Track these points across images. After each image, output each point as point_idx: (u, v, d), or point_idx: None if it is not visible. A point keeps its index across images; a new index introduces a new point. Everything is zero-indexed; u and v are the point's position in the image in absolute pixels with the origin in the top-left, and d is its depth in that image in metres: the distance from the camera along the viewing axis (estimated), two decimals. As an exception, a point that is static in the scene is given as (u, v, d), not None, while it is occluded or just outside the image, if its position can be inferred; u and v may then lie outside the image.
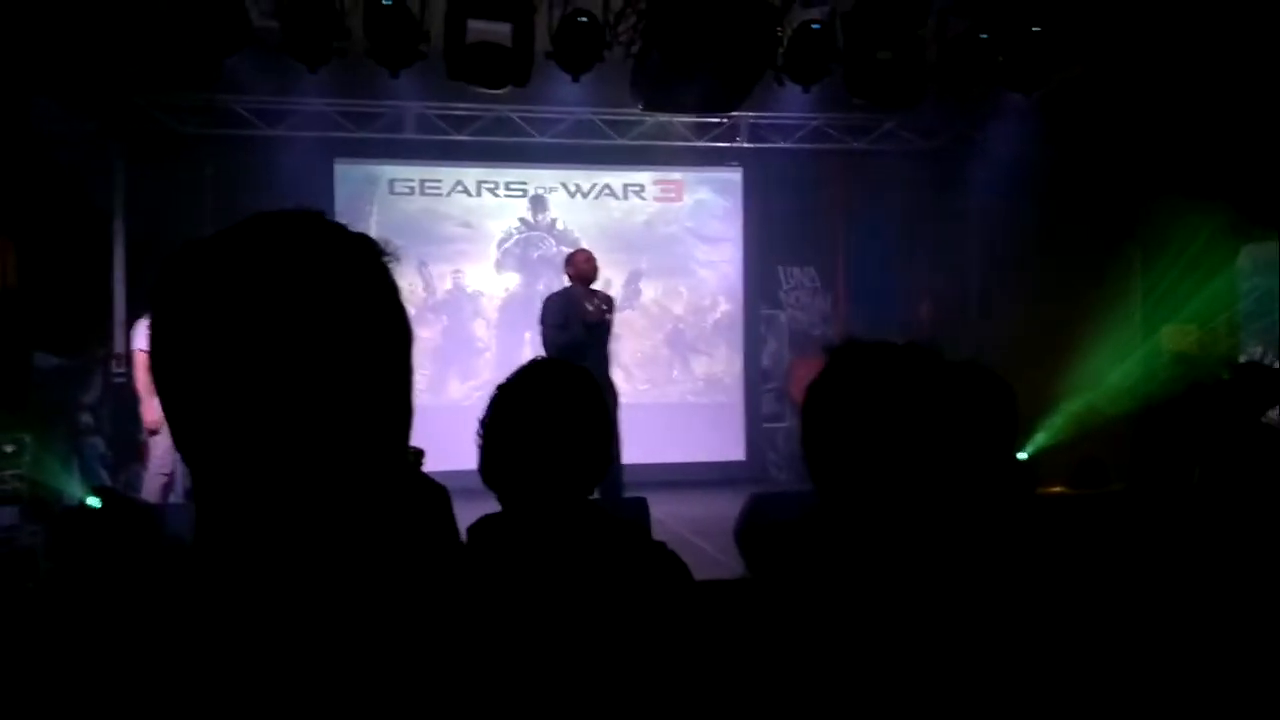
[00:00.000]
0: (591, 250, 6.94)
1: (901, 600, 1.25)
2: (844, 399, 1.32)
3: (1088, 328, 7.73)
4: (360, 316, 0.77)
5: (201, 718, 0.70)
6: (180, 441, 0.78)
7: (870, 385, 1.31)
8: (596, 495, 1.80)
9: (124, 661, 0.72)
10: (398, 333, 0.80)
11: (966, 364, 2.09)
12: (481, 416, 1.75)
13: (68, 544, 4.65)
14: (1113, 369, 7.55)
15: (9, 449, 5.64)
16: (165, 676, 0.71)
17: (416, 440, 1.76)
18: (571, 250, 7.12)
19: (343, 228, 0.80)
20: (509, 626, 0.84)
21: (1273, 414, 4.11)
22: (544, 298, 6.77)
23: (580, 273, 6.55)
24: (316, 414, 0.74)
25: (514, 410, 1.72)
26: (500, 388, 1.76)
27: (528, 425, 1.70)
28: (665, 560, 1.69)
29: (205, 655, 0.72)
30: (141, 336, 6.73)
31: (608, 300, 6.58)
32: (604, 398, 1.78)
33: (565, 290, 6.61)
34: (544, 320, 6.44)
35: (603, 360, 6.45)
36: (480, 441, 1.73)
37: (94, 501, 5.12)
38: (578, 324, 6.31)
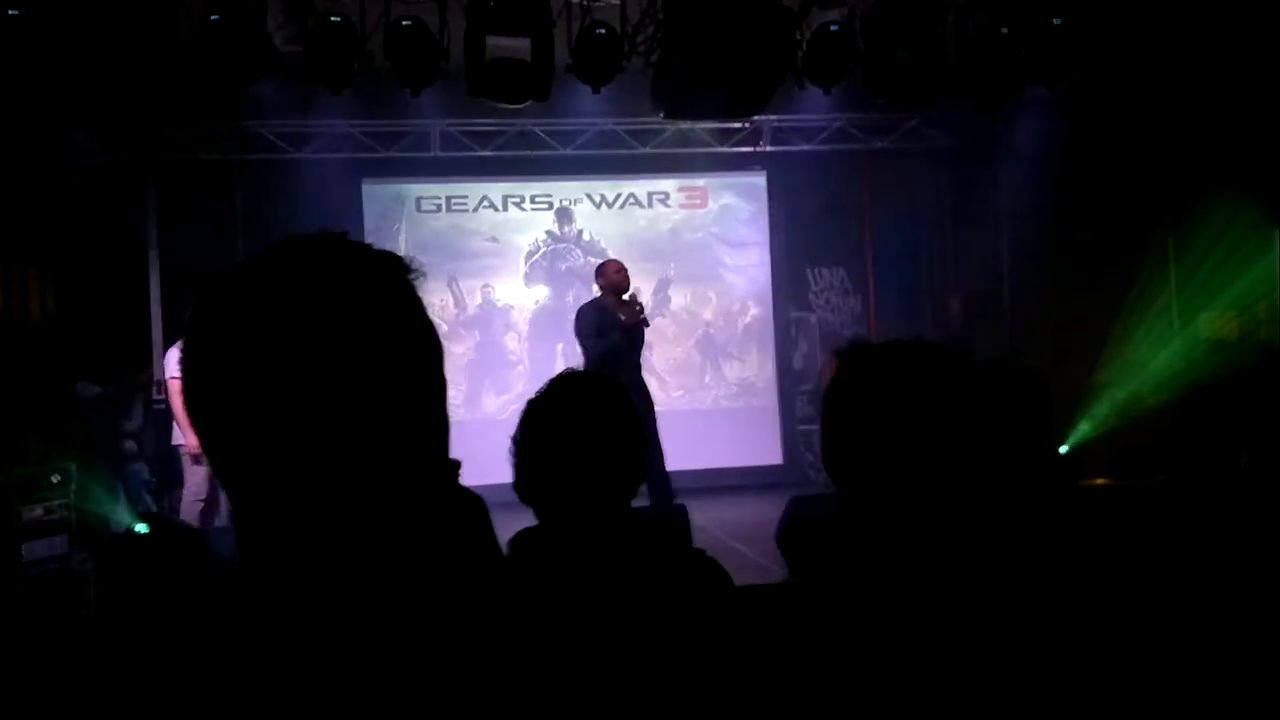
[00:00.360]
0: (620, 259, 6.95)
1: (941, 600, 1.24)
2: (857, 402, 1.32)
3: (1123, 318, 7.66)
4: (388, 334, 0.78)
5: None
6: (216, 466, 0.79)
7: (882, 385, 1.31)
8: (647, 503, 1.81)
9: (175, 685, 0.73)
10: (427, 347, 0.81)
11: (996, 360, 2.08)
12: (513, 433, 1.75)
13: (117, 570, 4.72)
14: (1151, 358, 7.47)
15: (55, 479, 5.73)
16: (216, 700, 0.72)
17: (452, 454, 1.78)
18: (601, 261, 7.13)
19: (367, 247, 0.81)
20: (553, 639, 0.85)
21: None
22: (576, 310, 6.78)
23: (611, 283, 6.57)
24: (350, 433, 0.75)
25: (545, 425, 1.72)
26: (530, 402, 1.76)
27: (560, 439, 1.70)
28: (705, 568, 1.70)
29: (253, 676, 0.73)
30: (174, 364, 6.81)
31: (639, 304, 6.59)
32: (635, 406, 1.78)
33: (596, 300, 6.63)
34: (580, 332, 6.46)
35: (637, 366, 6.47)
36: (514, 457, 1.74)
37: (141, 527, 5.20)
38: (614, 331, 6.33)
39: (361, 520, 0.77)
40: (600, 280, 6.67)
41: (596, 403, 1.72)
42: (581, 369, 1.83)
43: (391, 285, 0.80)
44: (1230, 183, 6.22)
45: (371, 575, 0.78)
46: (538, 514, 1.74)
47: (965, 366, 1.34)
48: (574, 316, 6.68)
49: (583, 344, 6.43)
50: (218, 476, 0.80)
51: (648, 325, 6.56)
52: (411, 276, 0.81)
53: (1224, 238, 6.75)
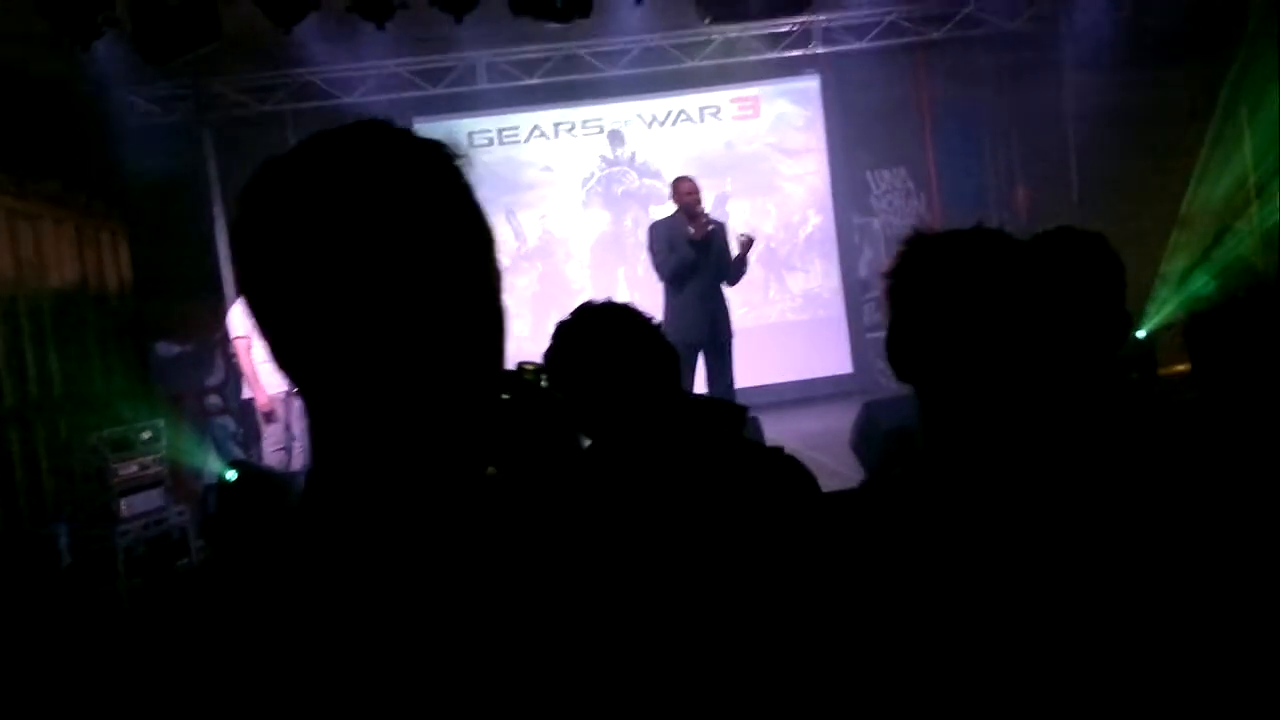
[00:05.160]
0: (690, 176, 6.83)
1: (1020, 494, 1.22)
2: (921, 290, 1.29)
3: (1198, 198, 7.40)
4: (440, 218, 0.77)
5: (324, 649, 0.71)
6: (282, 362, 0.78)
7: (946, 271, 1.27)
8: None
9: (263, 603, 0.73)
10: (477, 232, 0.79)
11: (1056, 231, 2.00)
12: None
13: (215, 519, 4.89)
14: (1227, 240, 7.23)
15: (146, 436, 5.93)
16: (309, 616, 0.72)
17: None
18: (675, 178, 6.94)
19: (409, 133, 0.79)
20: (636, 547, 0.85)
21: None
22: (648, 227, 6.72)
23: (681, 200, 6.46)
24: (410, 318, 0.74)
25: (567, 367, 1.74)
26: (548, 352, 1.79)
27: (583, 375, 1.72)
28: (785, 466, 1.70)
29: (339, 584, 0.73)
30: (238, 322, 6.94)
31: (711, 219, 6.50)
32: (650, 325, 1.79)
33: (668, 217, 6.56)
34: (651, 248, 6.44)
35: (713, 283, 6.42)
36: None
37: (230, 475, 5.37)
38: (684, 245, 6.29)
39: (426, 412, 0.76)
40: (673, 197, 6.60)
41: (617, 333, 1.74)
42: (605, 302, 1.85)
43: (439, 169, 0.79)
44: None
45: (440, 467, 0.77)
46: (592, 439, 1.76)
47: (1030, 249, 1.30)
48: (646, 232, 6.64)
49: (654, 261, 6.41)
50: (284, 373, 0.78)
51: (706, 239, 6.39)
52: (458, 162, 0.80)
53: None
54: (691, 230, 6.28)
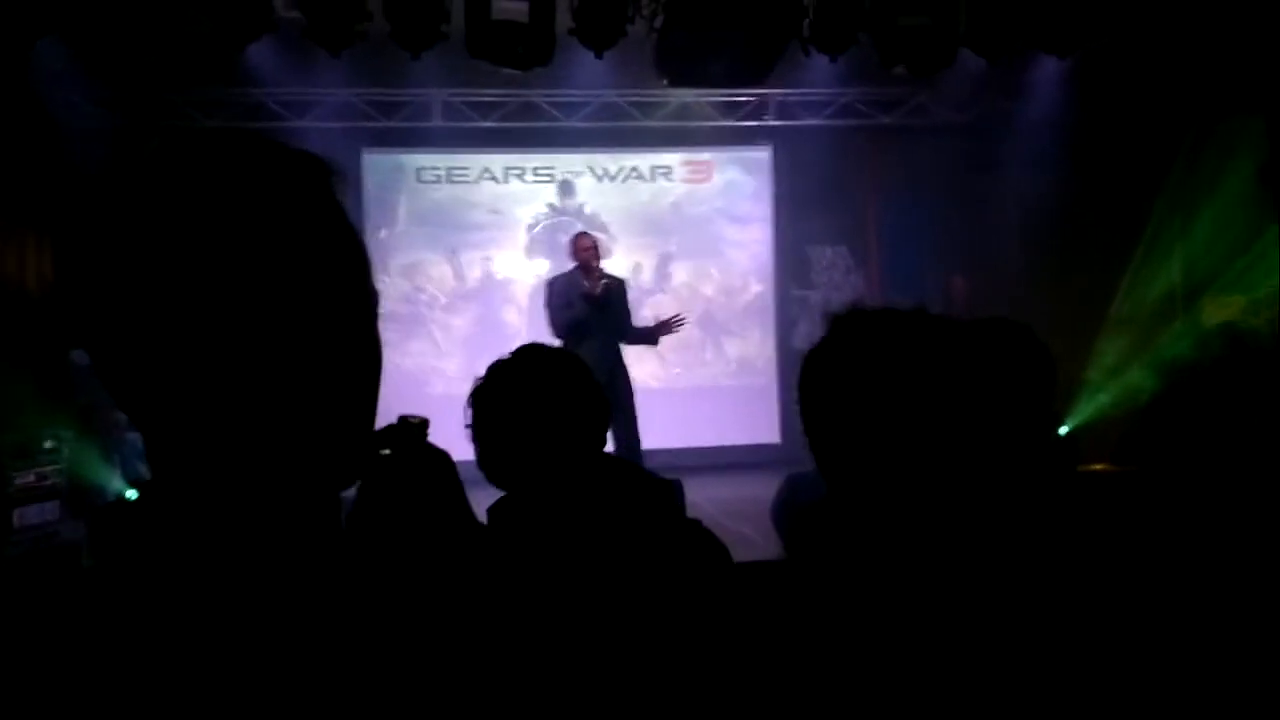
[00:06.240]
0: (617, 234, 6.84)
1: (931, 583, 1.18)
2: (843, 369, 1.25)
3: (1129, 300, 7.59)
4: (310, 241, 0.69)
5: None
6: (108, 385, 0.69)
7: (872, 352, 1.23)
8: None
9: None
10: (345, 254, 0.71)
11: (989, 320, 1.99)
12: (466, 421, 1.70)
13: (106, 537, 4.67)
14: (1157, 343, 7.40)
15: (48, 445, 5.71)
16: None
17: (453, 428, 1.73)
18: (576, 234, 6.94)
19: (279, 144, 0.72)
20: (532, 611, 0.79)
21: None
22: (545, 282, 6.68)
23: (577, 257, 6.47)
24: (254, 346, 0.66)
25: (492, 411, 1.68)
26: (475, 392, 1.72)
27: (508, 420, 1.66)
28: (700, 539, 1.65)
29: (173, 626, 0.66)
30: None
31: (608, 277, 6.47)
32: (583, 374, 1.74)
33: (566, 273, 6.55)
34: (549, 303, 6.41)
35: (610, 341, 6.37)
36: (473, 441, 1.69)
37: (131, 494, 5.16)
38: (580, 302, 6.25)
39: (267, 455, 0.68)
40: (571, 254, 6.59)
41: (548, 377, 1.68)
42: (549, 346, 1.80)
43: (305, 185, 0.71)
44: (1238, 151, 6.12)
45: (280, 524, 0.70)
46: (506, 491, 1.69)
47: (964, 335, 1.27)
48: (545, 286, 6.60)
49: (550, 316, 6.37)
50: (107, 390, 0.69)
51: (601, 296, 6.35)
52: (334, 179, 0.73)
53: (1229, 213, 6.66)
54: (587, 285, 6.25)
